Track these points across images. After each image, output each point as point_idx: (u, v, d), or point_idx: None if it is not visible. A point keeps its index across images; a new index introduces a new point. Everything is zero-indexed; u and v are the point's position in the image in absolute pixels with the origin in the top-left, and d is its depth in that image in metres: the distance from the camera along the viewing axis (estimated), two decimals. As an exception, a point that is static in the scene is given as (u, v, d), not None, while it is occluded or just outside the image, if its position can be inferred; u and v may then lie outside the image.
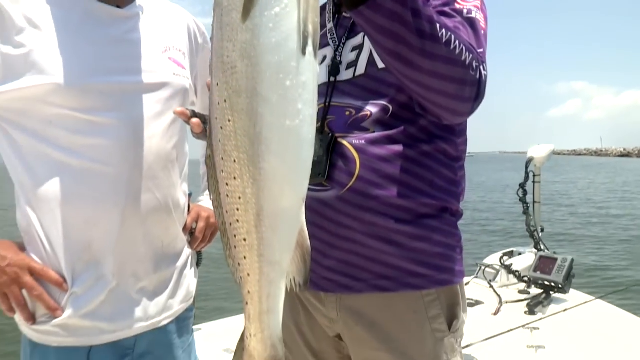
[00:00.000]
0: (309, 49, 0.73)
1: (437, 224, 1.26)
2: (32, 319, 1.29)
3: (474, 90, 1.10)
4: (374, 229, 1.22)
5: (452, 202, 1.30)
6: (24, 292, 1.28)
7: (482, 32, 1.21)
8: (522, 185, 4.21)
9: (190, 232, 1.55)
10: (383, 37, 1.00)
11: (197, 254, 1.61)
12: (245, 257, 0.81)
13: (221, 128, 0.75)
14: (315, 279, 1.31)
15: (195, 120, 0.96)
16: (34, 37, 1.27)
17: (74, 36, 1.31)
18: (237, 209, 0.77)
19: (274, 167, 0.74)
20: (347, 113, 1.27)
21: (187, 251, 1.52)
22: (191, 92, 1.54)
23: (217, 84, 0.75)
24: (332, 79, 1.33)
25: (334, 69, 1.33)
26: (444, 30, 1.02)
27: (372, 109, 1.25)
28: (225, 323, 3.29)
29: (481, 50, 1.16)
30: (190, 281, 1.52)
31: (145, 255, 1.37)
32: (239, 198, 0.76)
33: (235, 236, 0.80)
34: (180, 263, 1.48)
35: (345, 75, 1.32)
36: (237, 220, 0.78)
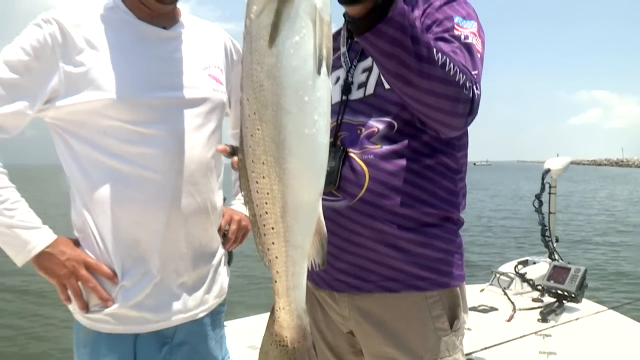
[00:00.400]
0: (323, 69, 0.89)
1: (438, 231, 1.40)
2: (86, 307, 1.44)
3: (467, 107, 1.23)
4: (382, 235, 1.36)
5: (452, 211, 1.43)
6: (79, 283, 1.44)
7: (478, 55, 1.35)
8: (538, 196, 4.29)
9: (223, 233, 1.71)
10: (386, 59, 1.14)
11: (228, 253, 1.76)
12: (273, 243, 0.97)
13: (251, 136, 0.91)
14: (329, 280, 1.46)
15: (235, 157, 1.08)
16: (92, 57, 1.44)
17: (126, 55, 1.48)
18: (266, 203, 0.94)
19: (295, 167, 0.90)
20: (358, 131, 1.41)
21: (221, 250, 1.67)
22: (227, 105, 1.71)
23: (248, 99, 0.91)
24: (345, 97, 1.48)
25: (346, 88, 1.48)
26: (440, 54, 1.15)
27: (379, 125, 1.39)
28: (249, 321, 3.40)
29: (476, 72, 1.30)
30: (223, 278, 1.68)
31: (186, 253, 1.53)
32: (267, 194, 0.93)
33: (264, 225, 0.96)
34: (215, 261, 1.64)
35: (356, 94, 1.46)
36: (266, 212, 0.94)
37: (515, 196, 26.21)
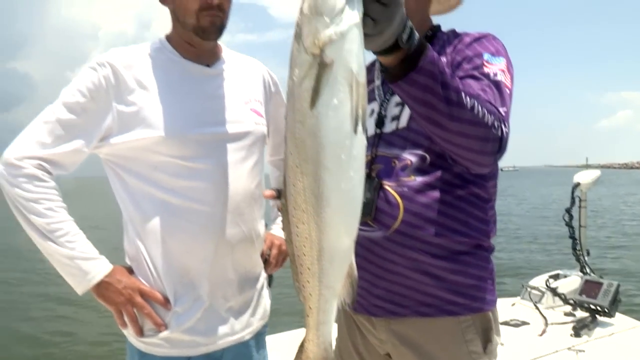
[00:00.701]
0: (359, 128, 0.98)
1: (471, 259, 1.47)
2: (140, 332, 1.57)
3: (495, 146, 1.30)
4: (416, 264, 1.45)
5: (484, 239, 1.50)
6: (135, 310, 1.56)
7: (507, 91, 1.41)
8: (568, 210, 4.30)
9: (264, 258, 1.82)
10: (417, 104, 1.22)
11: (269, 276, 1.87)
12: (308, 281, 1.08)
13: (293, 185, 1.02)
14: (367, 306, 1.55)
15: (279, 201, 1.19)
16: (142, 96, 1.57)
17: (174, 94, 1.60)
18: (304, 246, 1.04)
19: (332, 217, 1.01)
20: (393, 164, 1.49)
21: (263, 274, 1.79)
22: (266, 137, 1.82)
23: (291, 153, 1.02)
24: (379, 130, 1.55)
25: (379, 121, 1.56)
26: (468, 98, 1.22)
27: (412, 158, 1.46)
28: (280, 337, 3.51)
29: (504, 109, 1.36)
30: (266, 301, 1.79)
31: (232, 279, 1.65)
32: (306, 238, 1.03)
33: (302, 265, 1.07)
34: (259, 285, 1.75)
35: (389, 127, 1.53)
36: (304, 254, 1.05)
37: (544, 202, 25.69)
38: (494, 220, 1.56)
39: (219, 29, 1.64)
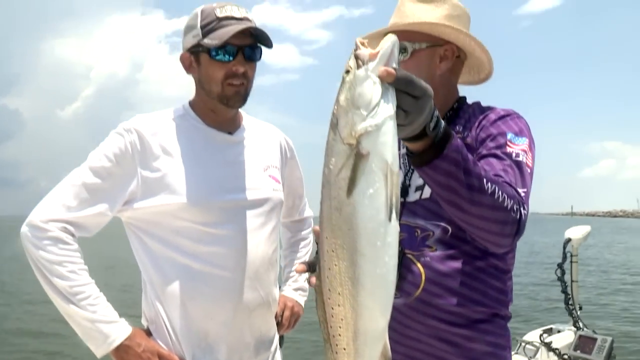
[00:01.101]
0: (393, 215, 1.04)
1: (489, 327, 1.51)
2: None
3: (514, 228, 1.34)
4: (435, 331, 1.49)
5: (501, 308, 1.55)
6: None
7: (528, 170, 1.47)
8: (560, 265, 4.36)
9: (277, 320, 1.86)
10: (440, 188, 1.28)
11: (280, 337, 1.90)
12: None
13: (329, 269, 1.07)
14: None
15: (313, 278, 1.20)
16: (167, 162, 1.63)
17: (197, 161, 1.66)
18: (340, 327, 1.08)
19: (367, 300, 1.05)
20: (416, 234, 1.54)
21: (277, 336, 1.82)
22: (283, 201, 1.88)
23: (327, 237, 1.07)
24: (402, 199, 1.59)
25: (403, 191, 1.60)
26: (489, 184, 1.27)
27: (434, 229, 1.52)
28: None
29: (524, 189, 1.41)
30: None
31: (249, 342, 1.68)
32: (341, 320, 1.07)
33: (337, 345, 1.10)
34: (273, 347, 1.79)
35: (413, 196, 1.59)
36: (339, 335, 1.09)
37: (532, 252, 25.76)
38: (511, 289, 1.61)
39: (243, 97, 1.70)
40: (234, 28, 1.63)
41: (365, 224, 1.03)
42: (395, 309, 1.51)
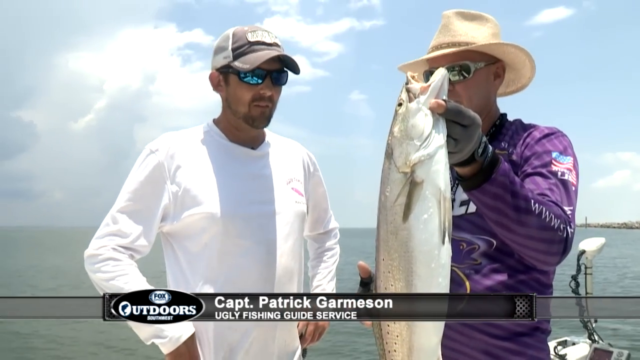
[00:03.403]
0: (446, 238, 1.12)
1: (530, 340, 1.55)
2: None
3: (561, 247, 1.38)
4: (478, 343, 1.54)
5: (543, 322, 1.59)
6: None
7: (573, 189, 1.50)
8: (575, 277, 4.38)
9: (300, 333, 1.92)
10: (488, 210, 1.33)
11: (303, 350, 1.97)
12: None
13: (385, 289, 1.15)
14: None
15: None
16: (192, 177, 1.72)
17: (222, 175, 1.75)
18: (395, 343, 1.16)
19: (422, 318, 1.13)
20: (461, 247, 1.58)
21: (299, 348, 1.89)
22: (306, 214, 1.95)
23: (383, 259, 1.15)
24: None
25: None
26: (536, 205, 1.32)
27: (479, 242, 1.56)
28: None
29: (570, 208, 1.45)
30: None
31: (272, 352, 1.75)
32: (397, 336, 1.15)
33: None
34: (295, 358, 1.85)
35: (458, 211, 1.62)
36: (395, 350, 1.17)
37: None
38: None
39: (268, 118, 1.80)
40: (265, 54, 1.70)
41: (420, 247, 1.11)
42: None
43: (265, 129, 1.93)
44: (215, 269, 1.69)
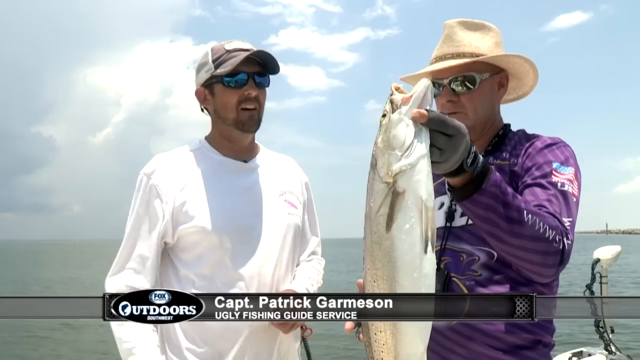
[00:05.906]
0: (429, 248, 1.12)
1: (532, 354, 1.52)
2: None
3: (557, 258, 1.36)
4: (477, 356, 1.51)
5: (545, 335, 1.56)
6: None
7: (574, 200, 1.48)
8: (589, 287, 4.31)
9: None
10: (480, 221, 1.33)
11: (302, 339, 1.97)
12: None
13: (371, 298, 1.16)
14: None
15: (361, 336, 1.25)
16: (185, 193, 1.77)
17: (214, 189, 1.80)
18: (382, 351, 1.17)
19: (407, 327, 1.14)
20: (461, 258, 1.56)
21: (298, 356, 1.90)
22: (300, 226, 1.96)
23: (369, 269, 1.17)
24: (448, 224, 1.62)
25: (449, 215, 1.63)
26: (529, 215, 1.30)
27: (480, 254, 1.54)
28: None
29: (569, 219, 1.43)
30: None
31: None
32: (383, 344, 1.17)
33: None
34: None
35: (459, 221, 1.61)
36: (382, 358, 1.17)
37: (564, 270, 24.98)
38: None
39: (257, 121, 1.83)
40: (243, 54, 1.76)
41: (403, 257, 1.12)
42: (439, 332, 1.53)
43: (260, 144, 1.97)
44: (208, 279, 1.73)
